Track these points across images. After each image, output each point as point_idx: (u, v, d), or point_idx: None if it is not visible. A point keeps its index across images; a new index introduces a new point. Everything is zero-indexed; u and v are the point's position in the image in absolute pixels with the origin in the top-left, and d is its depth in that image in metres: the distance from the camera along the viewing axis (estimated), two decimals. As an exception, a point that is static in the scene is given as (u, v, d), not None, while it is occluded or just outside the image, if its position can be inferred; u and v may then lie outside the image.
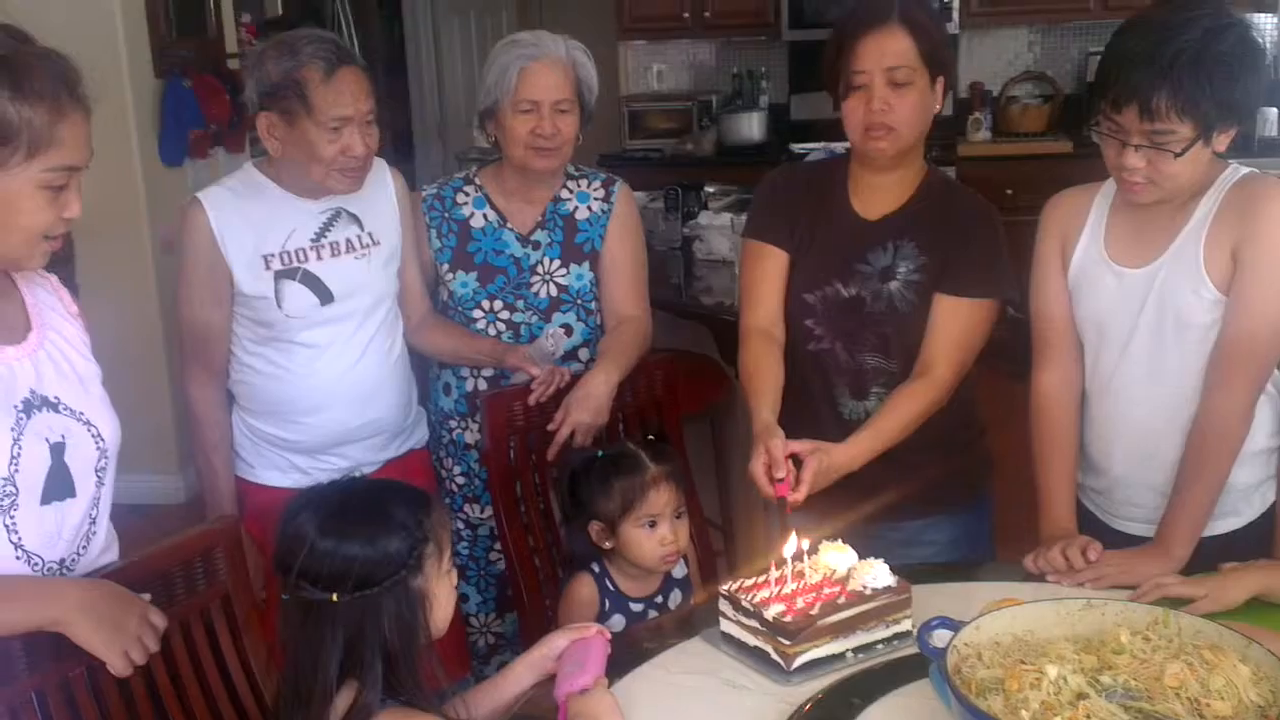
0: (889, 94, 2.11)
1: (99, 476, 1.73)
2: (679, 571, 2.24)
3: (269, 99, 2.29)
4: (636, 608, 2.19)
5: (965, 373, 2.21)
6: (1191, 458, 1.96)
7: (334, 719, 1.53)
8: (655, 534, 2.13)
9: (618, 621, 2.16)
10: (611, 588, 2.18)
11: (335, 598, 1.52)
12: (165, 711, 1.73)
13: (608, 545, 2.16)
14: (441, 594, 1.62)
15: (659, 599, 2.21)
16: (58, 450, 1.65)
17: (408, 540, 1.56)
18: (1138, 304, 1.98)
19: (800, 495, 1.99)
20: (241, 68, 4.77)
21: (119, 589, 1.65)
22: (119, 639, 1.59)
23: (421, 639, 1.58)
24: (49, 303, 1.76)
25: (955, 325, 2.18)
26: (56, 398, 1.67)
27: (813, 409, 2.27)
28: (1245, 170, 1.95)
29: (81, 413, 1.70)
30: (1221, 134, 1.85)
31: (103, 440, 1.72)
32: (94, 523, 1.73)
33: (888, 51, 2.11)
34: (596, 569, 2.18)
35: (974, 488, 2.38)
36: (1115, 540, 2.05)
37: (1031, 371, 2.15)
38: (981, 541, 2.36)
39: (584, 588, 2.17)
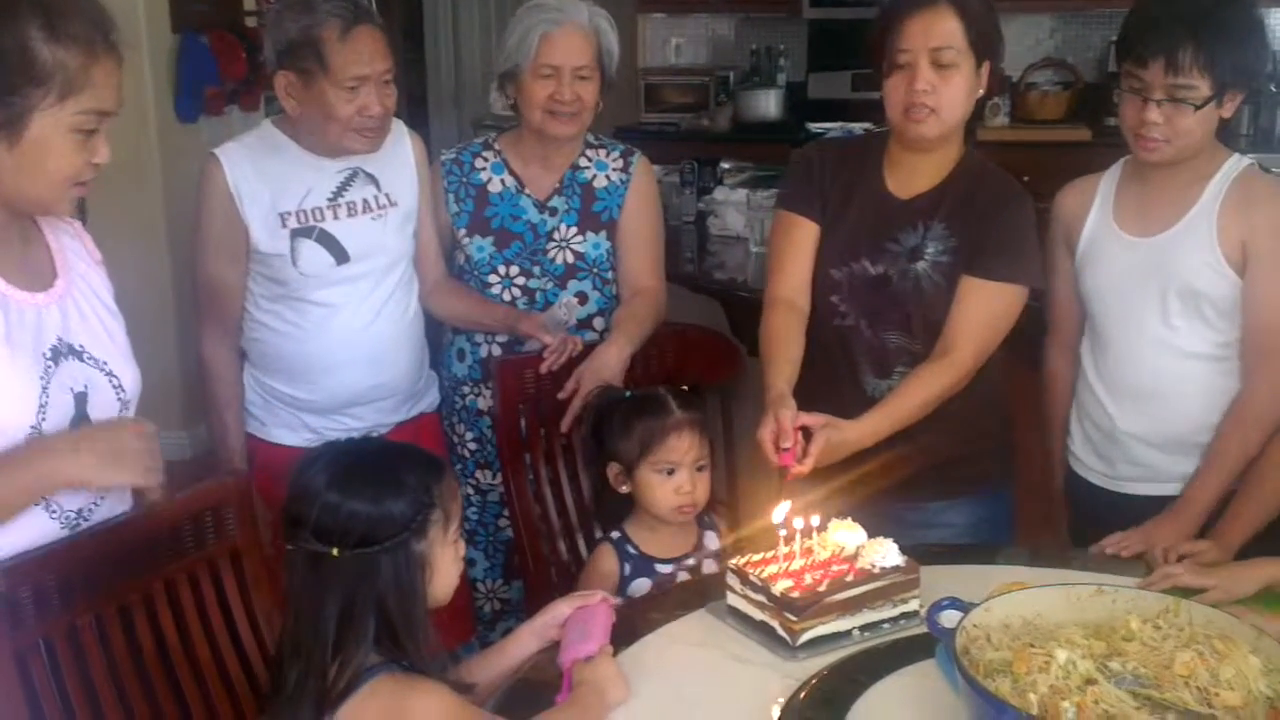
0: (933, 75, 2.09)
1: None
2: (712, 543, 2.17)
3: (286, 58, 2.28)
4: (664, 569, 2.12)
5: (987, 356, 2.19)
6: (1220, 443, 2.09)
7: (338, 680, 1.53)
8: (672, 482, 2.08)
9: (642, 585, 2.10)
10: (634, 551, 2.12)
11: (336, 552, 1.52)
12: (171, 663, 1.73)
13: (624, 489, 2.12)
14: (444, 563, 1.61)
15: (690, 562, 2.13)
16: (81, 400, 1.65)
17: (414, 503, 1.56)
18: (1146, 271, 2.10)
19: (805, 468, 1.98)
20: (260, 26, 4.79)
21: (99, 426, 1.66)
22: (130, 463, 1.61)
23: (420, 605, 1.57)
24: (74, 249, 1.75)
25: (979, 308, 2.17)
26: (81, 346, 1.67)
27: (836, 385, 2.25)
28: (1247, 160, 2.10)
29: (105, 362, 1.70)
30: (1230, 98, 2.00)
31: (124, 391, 1.72)
32: None
33: (934, 32, 2.09)
34: (616, 536, 2.14)
35: (996, 473, 2.37)
36: (1118, 502, 2.20)
37: (1045, 350, 2.34)
38: (1002, 528, 2.36)
39: (604, 559, 2.12)
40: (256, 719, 1.79)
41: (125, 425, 1.67)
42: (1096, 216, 2.17)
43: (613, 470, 2.13)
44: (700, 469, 2.11)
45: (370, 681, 1.52)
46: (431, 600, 1.60)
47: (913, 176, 2.23)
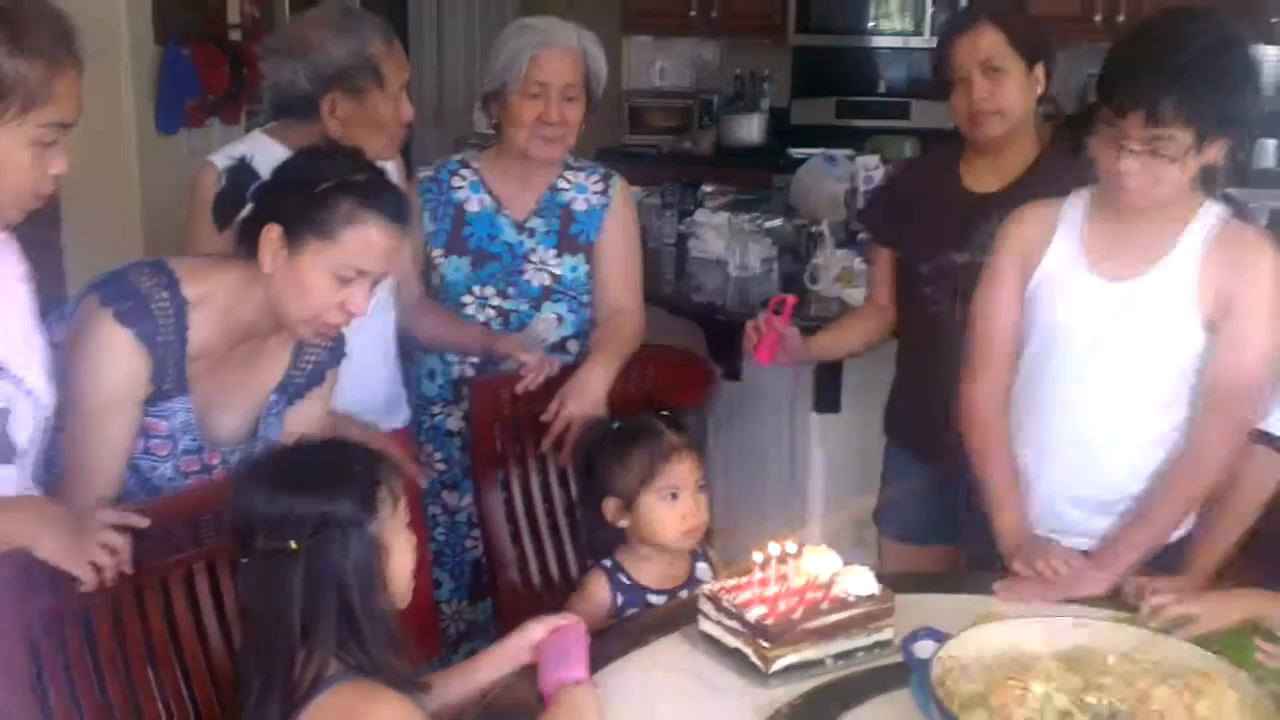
0: (986, 83, 2.39)
1: (33, 444, 1.70)
2: (704, 575, 2.10)
3: (335, 80, 2.30)
4: (656, 600, 2.06)
5: None
6: (1163, 490, 2.01)
7: (301, 681, 1.52)
8: (677, 507, 2.03)
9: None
10: (627, 580, 2.07)
11: (295, 545, 1.53)
12: (181, 648, 1.76)
13: (623, 523, 2.06)
14: (399, 545, 1.62)
15: (684, 594, 2.07)
16: (2, 416, 1.63)
17: (360, 485, 1.58)
18: (1110, 316, 2.01)
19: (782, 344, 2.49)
20: (243, 42, 4.78)
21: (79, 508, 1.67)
22: (83, 549, 1.59)
23: (381, 592, 1.57)
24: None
25: None
26: (4, 361, 1.64)
27: (936, 364, 2.37)
28: (1220, 206, 2.01)
29: (22, 378, 1.67)
30: (1212, 145, 1.90)
31: (43, 405, 1.70)
32: (26, 489, 1.71)
33: (980, 46, 2.39)
34: (608, 564, 2.08)
35: None
36: None
37: (963, 380, 2.17)
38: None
39: (596, 588, 2.06)
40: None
41: (102, 515, 1.65)
42: (1061, 250, 2.06)
43: (610, 505, 2.06)
44: (700, 490, 2.07)
45: (332, 687, 1.51)
46: (393, 589, 1.60)
47: (989, 173, 2.48)
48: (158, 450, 1.91)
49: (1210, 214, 1.99)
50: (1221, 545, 2.01)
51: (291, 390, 2.06)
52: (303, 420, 2.06)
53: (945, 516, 2.40)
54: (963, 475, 2.21)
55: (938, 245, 2.46)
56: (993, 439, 2.12)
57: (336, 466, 1.60)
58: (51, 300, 1.94)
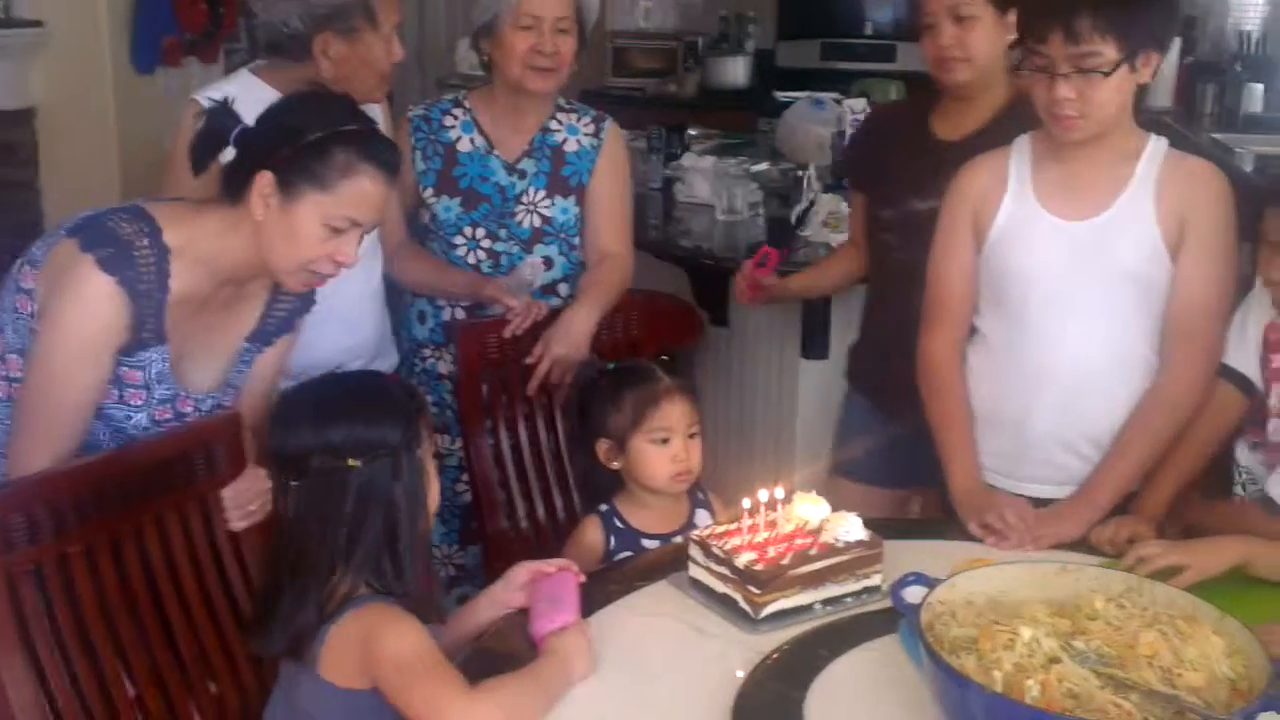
0: (955, 29, 2.33)
1: None
2: (704, 520, 2.10)
3: (328, 20, 2.29)
4: (650, 544, 2.07)
5: None
6: (1139, 419, 2.03)
7: (330, 604, 1.58)
8: (667, 451, 2.04)
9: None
10: (620, 524, 2.08)
11: (352, 463, 1.57)
12: (159, 594, 1.77)
13: (615, 465, 2.08)
14: (433, 473, 1.68)
15: (679, 539, 2.05)
16: None
17: (407, 413, 1.64)
18: (1078, 256, 2.02)
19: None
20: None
21: None
22: None
23: (425, 513, 1.65)
24: None
25: None
26: None
27: (897, 312, 2.36)
28: (1165, 141, 2.06)
29: None
30: (1144, 61, 1.94)
31: None
32: None
33: None
34: (604, 509, 2.09)
35: None
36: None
37: (921, 335, 2.19)
38: None
39: (589, 532, 2.07)
40: (240, 650, 1.83)
41: None
42: (1015, 198, 2.08)
43: (603, 446, 2.07)
44: (692, 436, 2.08)
45: (359, 607, 1.56)
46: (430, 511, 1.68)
47: (960, 120, 2.42)
48: (132, 400, 1.88)
49: (1157, 146, 2.04)
50: (1172, 484, 2.01)
51: (262, 338, 2.04)
52: (269, 366, 2.05)
53: (900, 462, 2.41)
54: (921, 423, 2.20)
55: (900, 192, 2.42)
56: (948, 392, 2.15)
57: (384, 395, 1.67)
58: (29, 242, 1.92)
